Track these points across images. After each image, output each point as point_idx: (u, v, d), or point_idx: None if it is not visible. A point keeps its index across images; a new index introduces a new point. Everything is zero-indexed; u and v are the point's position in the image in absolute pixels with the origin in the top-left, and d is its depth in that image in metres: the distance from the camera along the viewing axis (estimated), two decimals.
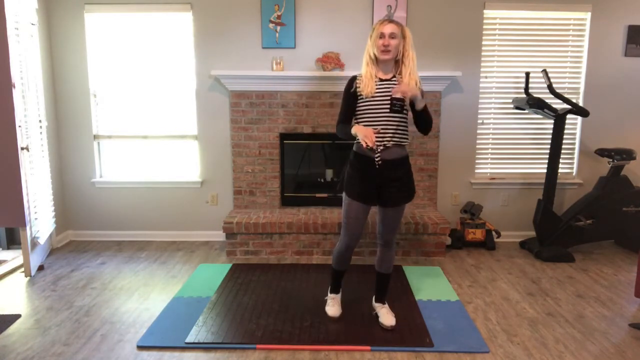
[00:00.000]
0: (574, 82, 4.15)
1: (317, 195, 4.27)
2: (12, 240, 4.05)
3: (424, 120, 2.46)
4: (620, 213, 3.88)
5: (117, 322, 2.72)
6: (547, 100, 3.73)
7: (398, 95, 2.34)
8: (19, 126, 3.21)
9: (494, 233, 4.06)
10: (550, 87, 3.66)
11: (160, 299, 3.03)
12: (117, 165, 4.29)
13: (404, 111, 2.42)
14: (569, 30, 4.09)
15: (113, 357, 2.36)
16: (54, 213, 3.92)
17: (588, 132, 4.18)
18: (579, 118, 4.15)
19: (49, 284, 3.26)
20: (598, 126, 4.16)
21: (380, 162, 2.41)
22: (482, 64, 4.09)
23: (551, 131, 3.82)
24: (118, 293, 3.13)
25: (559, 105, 3.81)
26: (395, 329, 2.59)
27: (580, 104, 4.13)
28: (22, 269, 3.42)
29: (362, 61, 2.47)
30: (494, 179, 4.25)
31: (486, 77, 4.13)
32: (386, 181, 2.45)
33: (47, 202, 3.74)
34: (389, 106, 2.38)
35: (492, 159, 4.28)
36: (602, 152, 3.94)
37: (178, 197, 4.26)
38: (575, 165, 4.28)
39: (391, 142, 2.41)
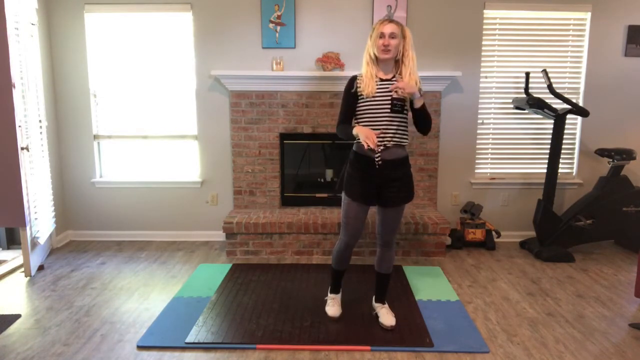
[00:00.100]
0: (574, 82, 4.15)
1: (317, 195, 4.27)
2: (12, 240, 4.05)
3: (423, 120, 2.46)
4: (620, 213, 3.88)
5: (117, 322, 2.72)
6: (547, 100, 3.73)
7: (398, 93, 2.34)
8: (19, 126, 3.21)
9: (494, 233, 4.06)
10: (550, 87, 3.66)
11: (160, 299, 3.03)
12: (117, 165, 4.29)
13: (405, 111, 2.42)
14: (569, 30, 4.09)
15: (113, 357, 2.36)
16: (54, 213, 3.92)
17: (588, 132, 4.18)
18: (579, 118, 4.15)
19: (49, 284, 3.26)
20: (598, 126, 4.16)
21: (380, 162, 2.41)
22: (482, 64, 4.09)
23: (551, 131, 3.83)
24: (118, 293, 3.13)
25: (559, 105, 3.81)
26: (395, 329, 2.59)
27: (580, 104, 4.13)
28: (22, 269, 3.42)
29: (362, 61, 2.47)
30: (494, 179, 4.25)
31: (486, 77, 4.13)
32: (386, 181, 2.45)
33: (47, 202, 3.74)
34: (389, 106, 2.38)
35: (492, 159, 4.28)
36: (602, 152, 3.94)
37: (178, 197, 4.27)
38: (575, 165, 4.28)
39: (391, 142, 2.41)
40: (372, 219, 3.73)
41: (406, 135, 2.48)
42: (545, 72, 3.70)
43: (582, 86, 4.13)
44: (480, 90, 4.13)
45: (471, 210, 4.05)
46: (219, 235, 4.19)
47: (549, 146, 3.86)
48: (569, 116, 3.88)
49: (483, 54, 4.08)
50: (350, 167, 2.53)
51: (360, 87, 2.43)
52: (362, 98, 2.42)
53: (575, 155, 4.26)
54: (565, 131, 3.97)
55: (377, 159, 2.40)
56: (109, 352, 2.39)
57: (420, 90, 2.42)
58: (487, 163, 4.29)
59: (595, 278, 3.41)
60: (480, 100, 4.15)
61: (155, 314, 2.81)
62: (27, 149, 3.33)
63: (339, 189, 2.60)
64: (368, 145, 2.26)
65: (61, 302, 2.97)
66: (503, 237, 4.22)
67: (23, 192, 3.23)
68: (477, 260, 3.80)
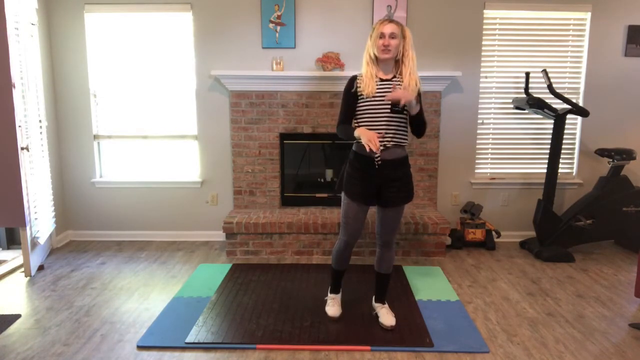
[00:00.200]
0: (574, 82, 4.15)
1: (317, 195, 4.27)
2: (12, 240, 4.06)
3: (417, 126, 2.48)
4: (620, 213, 3.88)
5: (117, 322, 2.72)
6: (547, 100, 3.73)
7: (395, 101, 2.33)
8: (19, 126, 3.21)
9: (494, 233, 4.06)
10: (550, 87, 3.66)
11: (160, 299, 3.03)
12: (117, 165, 4.29)
13: (404, 112, 2.42)
14: (569, 30, 4.09)
15: (113, 357, 2.36)
16: (54, 213, 3.92)
17: (588, 132, 4.18)
18: (579, 118, 4.15)
19: (49, 284, 3.26)
20: (598, 126, 4.16)
21: (380, 162, 2.41)
22: (482, 64, 4.09)
23: (551, 131, 3.83)
24: (118, 293, 3.13)
25: (559, 105, 3.81)
26: (395, 329, 2.59)
27: (580, 104, 4.13)
28: (22, 269, 3.42)
29: (362, 61, 2.47)
30: (494, 179, 4.25)
31: (486, 77, 4.13)
32: (386, 181, 2.45)
33: (47, 202, 3.74)
34: (389, 106, 2.38)
35: (492, 159, 4.28)
36: (602, 152, 3.94)
37: (178, 197, 4.27)
38: (575, 165, 4.28)
39: (391, 143, 2.41)
40: (372, 219, 3.73)
41: (406, 135, 2.48)
42: (545, 72, 3.70)
43: (582, 86, 4.13)
44: (480, 90, 4.13)
45: (471, 210, 4.05)
46: (219, 235, 4.19)
47: (549, 146, 3.86)
48: (569, 116, 3.88)
49: (483, 54, 4.08)
50: (350, 167, 2.53)
51: (360, 87, 2.43)
52: (362, 98, 2.42)
53: (575, 155, 4.26)
54: (565, 131, 3.97)
55: (376, 159, 2.40)
56: (109, 352, 2.39)
57: (419, 93, 2.42)
58: (487, 163, 4.29)
59: (595, 278, 3.41)
60: (480, 100, 4.15)
61: (155, 314, 2.81)
62: (27, 149, 3.34)
63: (339, 189, 2.60)
64: (370, 148, 2.25)
65: (61, 302, 2.97)
66: (503, 237, 4.23)
67: (23, 192, 3.23)
68: (477, 260, 3.80)
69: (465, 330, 2.60)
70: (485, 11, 4.03)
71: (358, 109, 2.46)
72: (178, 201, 4.27)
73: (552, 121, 3.81)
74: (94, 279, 3.37)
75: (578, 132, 4.21)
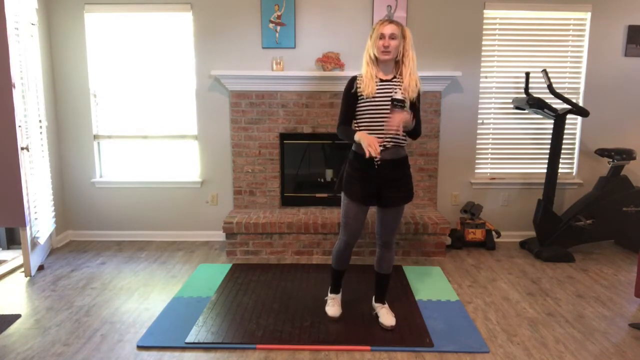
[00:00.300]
0: (574, 82, 4.15)
1: (317, 195, 4.27)
2: (12, 240, 4.06)
3: (412, 132, 2.49)
4: (620, 213, 3.88)
5: (117, 322, 2.72)
6: (547, 100, 3.73)
7: (392, 129, 2.31)
8: (19, 126, 3.21)
9: (494, 233, 4.06)
10: (550, 87, 3.66)
11: (160, 299, 3.03)
12: (117, 165, 4.29)
13: (404, 113, 2.41)
14: (569, 30, 4.09)
15: (113, 357, 2.36)
16: (54, 213, 3.92)
17: (588, 132, 4.18)
18: (579, 118, 4.15)
19: (49, 284, 3.26)
20: (598, 126, 4.16)
21: (379, 162, 2.41)
22: (482, 64, 4.09)
23: (551, 131, 3.83)
24: (118, 293, 3.13)
25: (559, 105, 3.81)
26: (395, 329, 2.59)
27: (580, 104, 4.13)
28: (22, 269, 3.42)
29: (362, 61, 2.47)
30: (494, 179, 4.25)
31: (486, 77, 4.13)
32: (385, 181, 2.45)
33: (47, 202, 3.74)
34: (389, 107, 2.37)
35: (492, 159, 4.28)
36: (602, 152, 3.94)
37: (178, 197, 4.27)
38: (575, 165, 4.28)
39: (391, 143, 2.41)
40: (372, 219, 3.73)
41: (405, 135, 2.48)
42: (545, 72, 3.70)
43: (582, 86, 4.13)
44: (480, 90, 4.13)
45: (471, 210, 4.05)
46: (219, 235, 4.19)
47: (549, 146, 3.86)
48: (569, 116, 3.88)
49: (483, 54, 4.08)
50: (350, 167, 2.53)
51: (360, 87, 2.42)
52: (362, 99, 2.42)
53: (575, 155, 4.26)
54: (565, 131, 3.97)
55: (376, 159, 2.40)
56: (109, 352, 2.39)
57: (419, 91, 2.42)
58: (487, 163, 4.29)
59: (595, 278, 3.41)
60: (480, 100, 4.15)
61: (155, 314, 2.81)
62: (27, 149, 3.34)
63: (338, 189, 2.60)
64: (370, 153, 2.24)
65: (61, 302, 2.97)
66: (503, 237, 4.23)
67: (23, 192, 3.23)
68: (477, 260, 3.80)
69: (465, 330, 2.60)
70: (485, 11, 4.03)
71: (358, 109, 2.45)
72: (178, 201, 4.27)
73: (552, 121, 3.81)
74: (94, 279, 3.37)
75: (578, 132, 4.21)
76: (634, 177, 4.09)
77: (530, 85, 3.93)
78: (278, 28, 3.99)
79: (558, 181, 3.90)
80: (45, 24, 3.98)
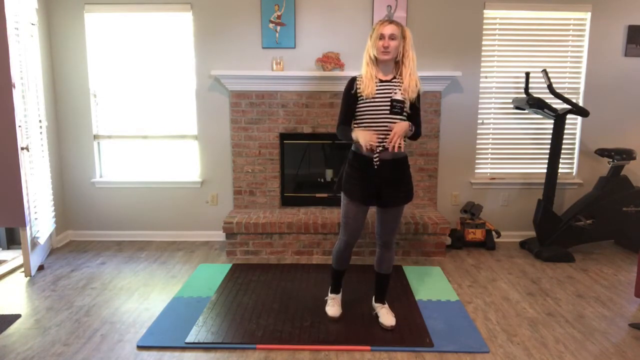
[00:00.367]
0: (574, 82, 4.15)
1: (317, 195, 4.27)
2: (12, 240, 4.06)
3: (413, 134, 2.50)
4: (620, 213, 3.88)
5: (117, 322, 2.72)
6: (547, 100, 3.73)
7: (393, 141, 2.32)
8: (19, 126, 3.21)
9: (494, 233, 4.06)
10: (550, 87, 3.66)
11: (160, 299, 3.03)
12: (117, 165, 4.29)
13: (404, 113, 2.41)
14: (569, 30, 4.09)
15: (113, 357, 2.36)
16: (54, 213, 3.92)
17: (588, 132, 4.18)
18: (579, 118, 4.15)
19: (49, 284, 3.26)
20: (598, 126, 4.16)
21: (378, 163, 2.41)
22: (482, 64, 4.09)
23: (551, 131, 3.82)
24: (118, 293, 3.13)
25: (559, 105, 3.81)
26: (395, 329, 2.59)
27: (580, 104, 4.13)
28: (22, 269, 3.42)
29: (362, 61, 2.47)
30: (494, 179, 4.25)
31: (486, 77, 4.13)
32: (385, 182, 2.45)
33: (47, 202, 3.74)
34: (389, 107, 2.37)
35: (492, 159, 4.28)
36: (602, 152, 3.94)
37: (178, 197, 4.27)
38: (575, 165, 4.28)
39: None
40: (372, 219, 3.73)
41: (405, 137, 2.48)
42: (545, 72, 3.70)
43: (582, 86, 4.13)
44: (480, 90, 4.13)
45: (471, 210, 4.05)
46: (219, 235, 4.19)
47: (549, 146, 3.86)
48: (569, 116, 3.88)
49: (483, 54, 4.08)
50: (349, 167, 2.53)
51: (360, 88, 2.42)
52: (362, 99, 2.42)
53: (575, 155, 4.26)
54: (565, 131, 3.97)
55: (375, 160, 2.40)
56: (109, 352, 2.40)
57: (419, 91, 2.42)
58: (487, 163, 4.29)
59: (595, 278, 3.41)
60: (480, 100, 4.15)
61: (155, 314, 2.81)
62: (27, 149, 3.34)
63: (338, 190, 2.60)
64: (367, 148, 2.25)
65: (61, 302, 2.97)
66: (503, 237, 4.22)
67: (23, 192, 3.23)
68: (477, 260, 3.80)
69: (465, 330, 2.60)
70: (485, 11, 4.03)
71: (358, 110, 2.45)
72: (178, 201, 4.27)
73: (552, 121, 3.81)
74: (94, 279, 3.37)
75: (578, 132, 4.21)
76: (634, 177, 4.08)
77: (530, 85, 3.93)
78: (278, 28, 3.99)
79: (558, 181, 3.90)
80: (45, 24, 3.98)
